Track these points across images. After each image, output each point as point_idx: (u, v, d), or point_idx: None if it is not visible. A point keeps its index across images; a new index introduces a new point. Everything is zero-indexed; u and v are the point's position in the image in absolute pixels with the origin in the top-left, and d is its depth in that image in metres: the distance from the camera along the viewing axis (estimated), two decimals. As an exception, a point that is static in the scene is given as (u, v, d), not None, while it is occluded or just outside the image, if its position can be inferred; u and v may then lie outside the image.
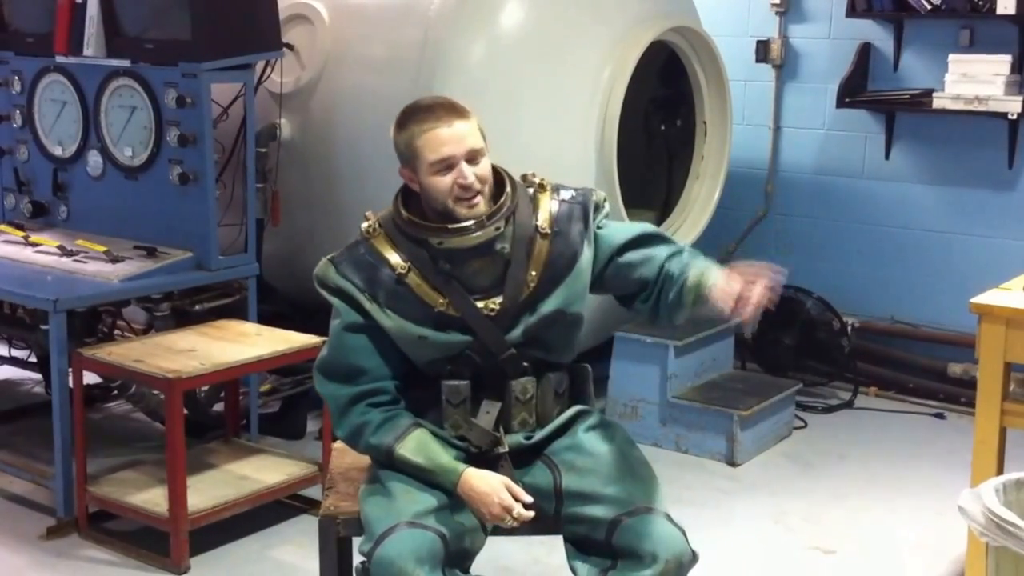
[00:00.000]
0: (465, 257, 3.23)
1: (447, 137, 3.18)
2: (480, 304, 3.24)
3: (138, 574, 4.73)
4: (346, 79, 5.96)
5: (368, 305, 3.26)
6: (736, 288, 3.13)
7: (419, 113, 3.26)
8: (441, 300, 3.24)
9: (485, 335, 3.25)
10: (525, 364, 3.31)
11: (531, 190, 3.35)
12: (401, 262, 3.24)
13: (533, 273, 3.26)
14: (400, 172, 3.33)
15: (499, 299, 3.25)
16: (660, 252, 3.35)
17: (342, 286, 3.28)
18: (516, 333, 3.27)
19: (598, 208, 3.39)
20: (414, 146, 3.23)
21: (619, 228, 3.42)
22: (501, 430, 3.30)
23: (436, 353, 3.28)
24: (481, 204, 3.22)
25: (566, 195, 3.36)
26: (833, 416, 6.78)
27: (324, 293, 3.34)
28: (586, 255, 3.31)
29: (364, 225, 3.32)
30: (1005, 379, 4.18)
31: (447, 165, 3.18)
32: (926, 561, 4.96)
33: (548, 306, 3.27)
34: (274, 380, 6.03)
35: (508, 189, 3.28)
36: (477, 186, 3.19)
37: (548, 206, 3.32)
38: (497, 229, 3.22)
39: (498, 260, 3.25)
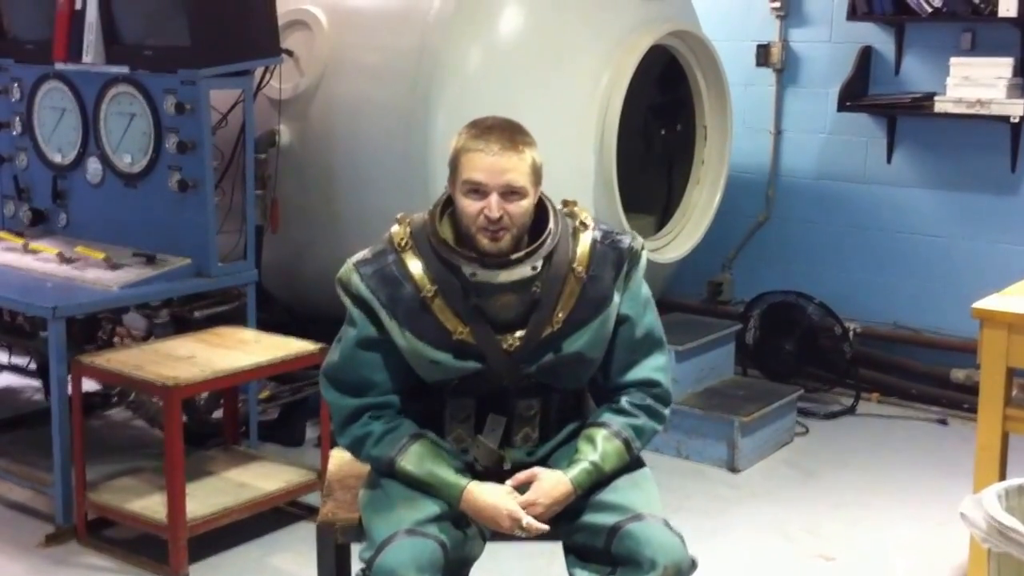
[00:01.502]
0: (496, 291, 3.15)
1: (488, 164, 3.10)
2: (500, 336, 3.19)
3: (137, 582, 4.73)
4: (345, 86, 5.96)
5: (388, 322, 3.20)
6: (529, 499, 3.15)
7: (475, 130, 3.18)
8: (461, 328, 3.17)
9: (500, 367, 3.21)
10: (532, 385, 3.29)
11: (571, 224, 3.27)
12: (429, 284, 3.17)
13: (560, 315, 3.19)
14: (448, 180, 3.25)
15: (521, 333, 3.19)
16: (625, 396, 3.31)
17: (365, 297, 3.22)
18: (531, 368, 3.23)
19: (636, 258, 3.31)
20: (458, 160, 3.16)
21: (637, 338, 3.32)
22: (504, 449, 3.28)
23: (446, 375, 3.24)
24: (506, 241, 3.13)
25: (606, 236, 3.28)
26: (835, 422, 6.76)
27: (345, 299, 3.28)
28: (615, 302, 3.26)
29: (395, 234, 3.25)
30: (1007, 384, 4.17)
31: (479, 191, 3.11)
32: (927, 568, 4.94)
33: (569, 347, 3.22)
34: (273, 387, 6.03)
35: (551, 225, 3.21)
36: (503, 223, 3.11)
37: (586, 246, 3.24)
38: (534, 269, 3.15)
39: (527, 296, 3.18)
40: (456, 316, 3.17)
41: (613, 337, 3.28)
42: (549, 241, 3.18)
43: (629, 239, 3.31)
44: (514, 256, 3.14)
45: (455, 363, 3.20)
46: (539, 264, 3.15)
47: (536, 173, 3.17)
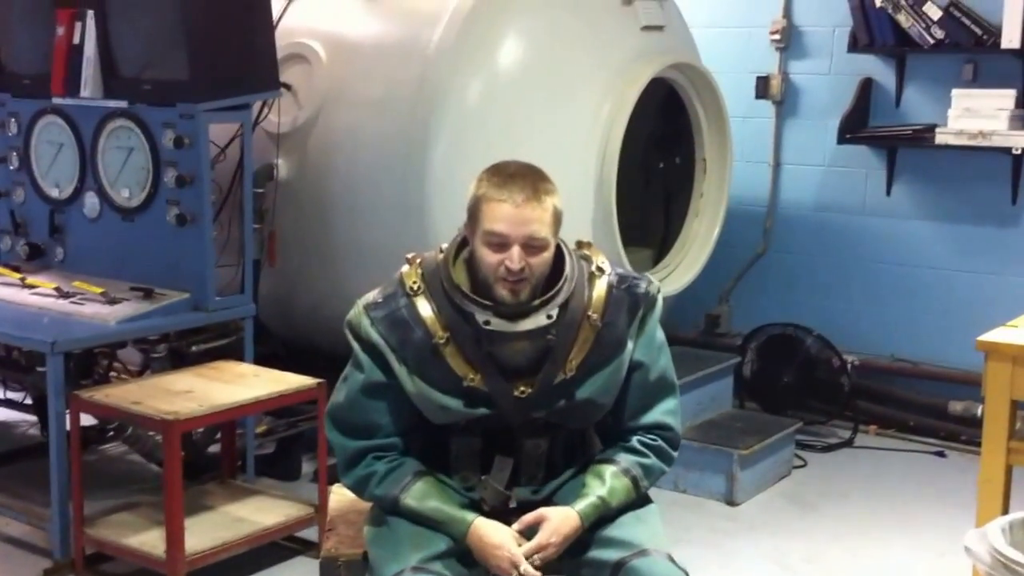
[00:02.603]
0: (510, 338, 3.11)
1: (510, 216, 3.03)
2: (511, 383, 3.15)
3: (135, 617, 4.71)
4: (343, 118, 5.95)
5: (397, 367, 3.16)
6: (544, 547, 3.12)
7: (498, 177, 3.10)
8: (472, 375, 3.13)
9: (509, 412, 3.18)
10: (539, 425, 3.25)
11: (586, 268, 3.22)
12: (441, 331, 3.12)
13: (574, 362, 3.15)
14: (464, 224, 3.20)
15: (532, 380, 3.15)
16: (636, 436, 3.30)
17: (375, 342, 3.17)
18: (541, 412, 3.20)
19: (652, 304, 3.28)
20: (478, 208, 3.09)
21: (650, 383, 3.31)
22: (511, 490, 3.26)
23: (454, 419, 3.21)
24: (525, 291, 3.09)
25: (622, 281, 3.24)
26: (833, 455, 6.75)
27: (353, 343, 3.23)
28: (629, 348, 3.23)
29: (407, 276, 3.20)
30: (1011, 417, 4.15)
31: (500, 243, 3.05)
32: (930, 601, 4.93)
33: (581, 394, 3.19)
34: (270, 421, 6.00)
35: (567, 271, 3.16)
36: (524, 275, 3.06)
37: (602, 292, 3.19)
38: (549, 317, 3.11)
39: (541, 343, 3.14)
40: (467, 363, 3.13)
41: (626, 382, 3.25)
42: (565, 289, 3.14)
43: (645, 284, 3.27)
44: (531, 304, 3.10)
45: (464, 410, 3.16)
46: (555, 312, 3.11)
47: (557, 222, 3.12)
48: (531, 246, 3.05)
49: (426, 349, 3.12)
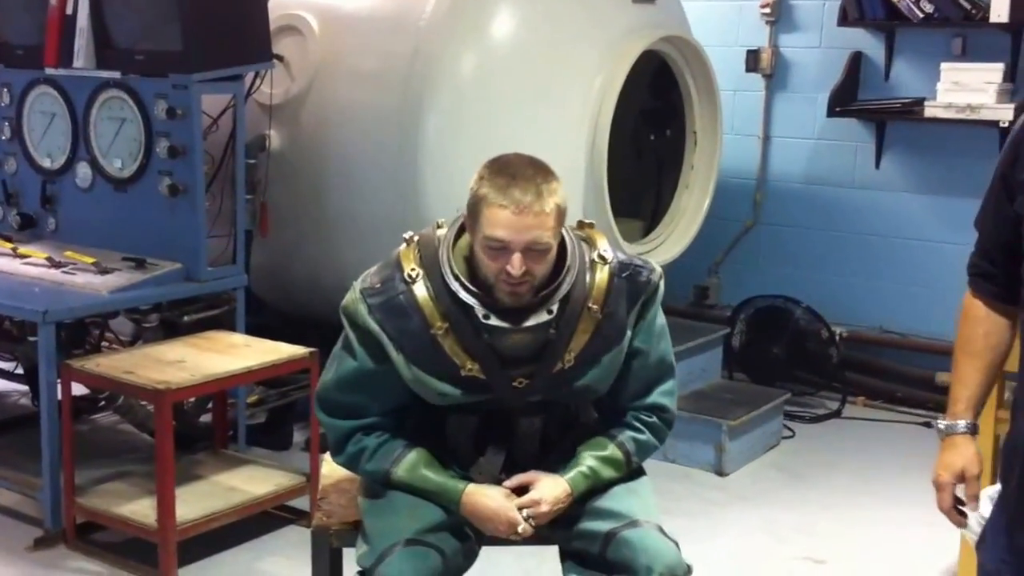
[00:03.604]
0: (509, 332, 3.05)
1: (511, 223, 2.92)
2: (509, 371, 3.12)
3: (126, 586, 4.73)
4: (336, 91, 5.96)
5: (394, 355, 3.10)
6: (536, 503, 3.13)
7: (500, 179, 2.97)
8: (471, 364, 3.08)
9: (506, 399, 3.16)
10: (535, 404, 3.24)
11: (588, 254, 3.15)
12: (440, 321, 3.05)
13: (572, 354, 3.11)
14: (464, 216, 3.10)
15: (531, 368, 3.12)
16: (632, 416, 3.31)
17: (371, 330, 3.10)
18: (537, 398, 3.19)
19: (653, 292, 3.21)
20: (478, 210, 2.98)
21: (649, 368, 3.29)
22: (504, 475, 3.24)
23: (451, 403, 3.19)
24: (527, 295, 3.01)
25: (623, 268, 3.17)
26: (821, 425, 6.79)
27: (349, 329, 3.17)
28: (628, 336, 3.20)
29: (404, 259, 3.12)
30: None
31: (500, 247, 2.95)
32: (917, 571, 4.97)
33: (578, 383, 3.17)
34: (261, 391, 6.02)
35: (568, 262, 3.09)
36: (525, 279, 2.97)
37: (604, 282, 3.13)
38: (550, 312, 3.04)
39: (541, 336, 3.08)
40: (465, 352, 3.08)
41: (625, 366, 3.23)
42: (567, 281, 3.07)
43: (647, 272, 3.21)
44: (532, 300, 3.05)
45: (460, 397, 3.14)
46: (555, 307, 3.06)
47: (561, 220, 3.02)
48: (533, 251, 2.96)
49: (424, 338, 3.07)
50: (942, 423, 2.94)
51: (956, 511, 2.88)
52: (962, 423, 2.91)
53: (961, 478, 2.86)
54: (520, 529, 3.10)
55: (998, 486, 3.00)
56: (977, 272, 2.94)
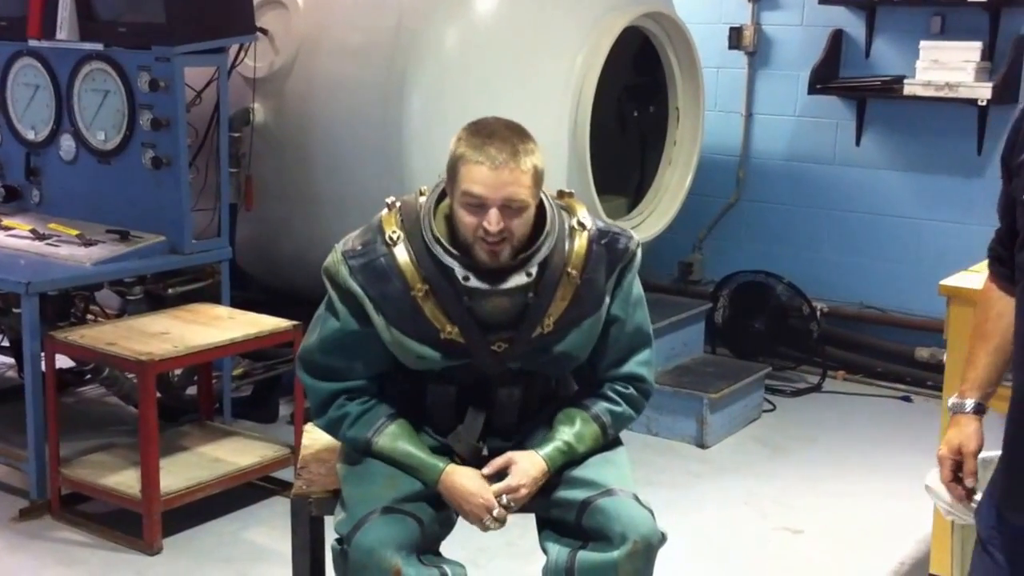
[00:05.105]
0: (489, 294, 3.07)
1: (488, 178, 2.96)
2: (489, 337, 3.14)
3: (111, 555, 4.75)
4: (320, 65, 5.96)
5: (375, 316, 3.12)
6: (515, 489, 3.14)
7: (477, 138, 3.02)
8: (450, 328, 3.10)
9: (485, 364, 3.18)
10: (514, 374, 3.27)
11: (567, 221, 3.18)
12: (420, 283, 3.08)
13: (552, 319, 3.13)
14: (446, 183, 3.13)
15: (510, 333, 3.15)
16: (608, 387, 3.31)
17: (353, 291, 3.12)
18: (516, 364, 3.22)
19: (631, 259, 3.24)
20: (456, 168, 3.01)
21: (626, 337, 3.29)
22: (483, 442, 3.28)
23: (430, 367, 3.21)
24: (505, 254, 3.03)
25: (602, 235, 3.20)
26: (802, 399, 6.84)
27: (331, 290, 3.20)
28: (607, 303, 3.22)
29: (386, 225, 3.14)
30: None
31: (478, 204, 2.98)
32: (893, 540, 5.01)
33: (557, 348, 3.19)
34: (247, 364, 6.05)
35: (547, 226, 3.11)
36: (503, 236, 3.00)
37: (582, 248, 3.16)
38: (529, 275, 3.06)
39: (521, 299, 3.11)
40: (445, 315, 3.11)
41: (603, 335, 3.25)
42: (546, 245, 3.10)
43: (625, 240, 3.24)
44: (511, 262, 3.07)
45: (439, 360, 3.16)
46: (534, 270, 3.08)
47: (538, 181, 3.05)
48: (509, 207, 2.99)
49: (404, 300, 3.09)
50: (951, 401, 2.98)
51: (956, 485, 2.93)
52: (968, 402, 2.94)
53: (959, 453, 2.90)
54: (495, 513, 3.12)
55: (994, 452, 3.03)
56: (993, 255, 2.97)
